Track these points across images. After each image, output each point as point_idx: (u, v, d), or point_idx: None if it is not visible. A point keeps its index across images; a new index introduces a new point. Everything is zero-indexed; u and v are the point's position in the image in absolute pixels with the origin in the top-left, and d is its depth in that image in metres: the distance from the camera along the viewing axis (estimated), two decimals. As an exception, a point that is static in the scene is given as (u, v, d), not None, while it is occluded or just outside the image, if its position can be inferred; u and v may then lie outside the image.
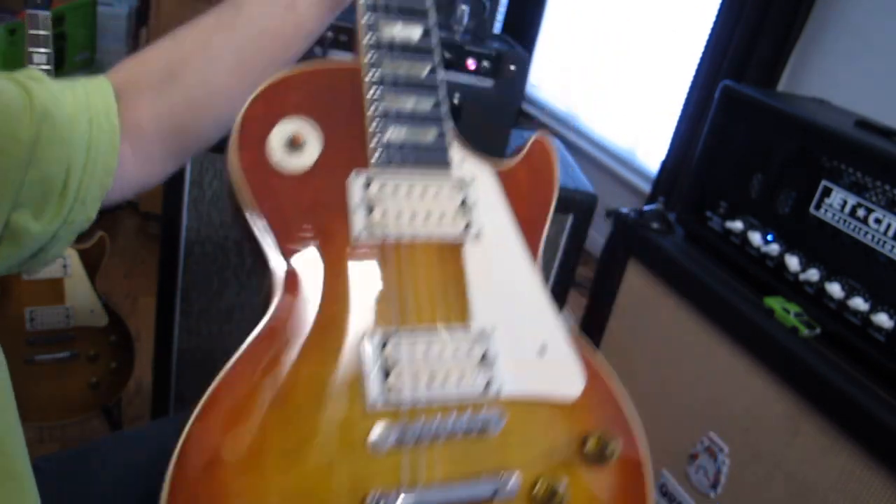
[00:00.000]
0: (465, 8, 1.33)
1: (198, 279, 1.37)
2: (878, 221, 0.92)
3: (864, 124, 1.07)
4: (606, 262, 1.33)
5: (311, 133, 0.56)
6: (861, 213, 0.94)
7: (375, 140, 0.57)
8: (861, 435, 0.87)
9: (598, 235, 3.12)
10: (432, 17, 0.61)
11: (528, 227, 0.64)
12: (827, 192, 0.99)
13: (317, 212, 0.55)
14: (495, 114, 1.30)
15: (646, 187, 2.90)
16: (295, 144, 0.55)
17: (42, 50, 1.31)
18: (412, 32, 0.60)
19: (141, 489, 0.70)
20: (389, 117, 0.58)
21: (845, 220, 0.97)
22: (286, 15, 0.64)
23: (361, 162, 0.57)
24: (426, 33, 0.61)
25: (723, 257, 1.17)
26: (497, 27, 4.23)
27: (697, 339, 1.13)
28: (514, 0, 3.76)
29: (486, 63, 1.27)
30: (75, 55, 2.37)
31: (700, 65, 2.48)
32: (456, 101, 1.28)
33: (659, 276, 1.22)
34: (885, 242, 0.91)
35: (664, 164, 2.63)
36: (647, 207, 1.29)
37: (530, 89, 3.90)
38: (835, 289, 0.97)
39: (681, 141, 2.54)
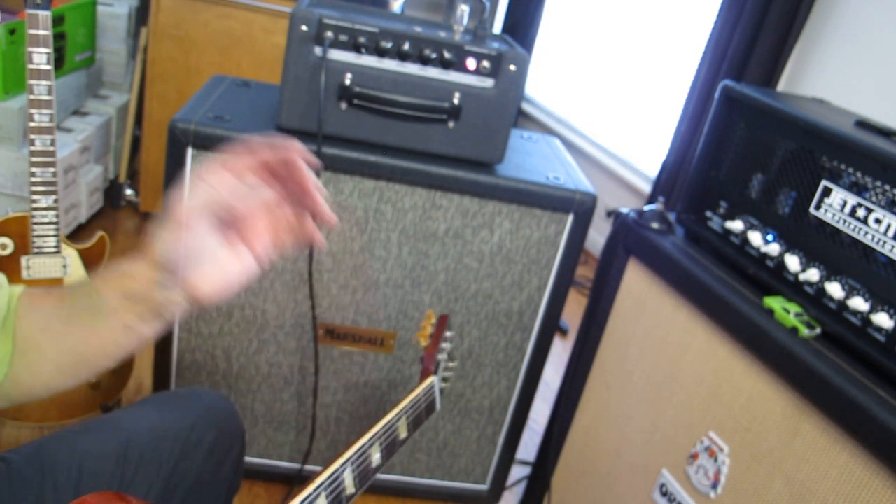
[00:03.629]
0: (465, 8, 1.33)
1: (198, 279, 1.37)
2: (878, 221, 0.92)
3: (864, 124, 1.07)
4: (606, 262, 1.33)
5: None
6: (861, 213, 0.94)
7: None
8: (861, 435, 0.87)
9: (598, 235, 3.13)
10: None
11: None
12: (827, 192, 0.99)
13: None
14: (495, 114, 1.30)
15: (646, 187, 2.90)
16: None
17: (42, 50, 1.31)
18: None
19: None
20: None
21: (845, 220, 0.97)
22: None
23: None
24: None
25: (723, 257, 1.17)
26: (497, 27, 4.21)
27: (697, 339, 1.13)
28: (514, 0, 3.76)
29: (486, 63, 1.27)
30: (75, 55, 2.37)
31: (700, 65, 2.48)
32: (456, 101, 1.28)
33: (659, 276, 1.22)
34: (885, 242, 0.91)
35: (664, 164, 2.63)
36: (647, 207, 1.29)
37: (530, 89, 3.90)
38: (835, 289, 0.97)
39: (681, 141, 2.54)
